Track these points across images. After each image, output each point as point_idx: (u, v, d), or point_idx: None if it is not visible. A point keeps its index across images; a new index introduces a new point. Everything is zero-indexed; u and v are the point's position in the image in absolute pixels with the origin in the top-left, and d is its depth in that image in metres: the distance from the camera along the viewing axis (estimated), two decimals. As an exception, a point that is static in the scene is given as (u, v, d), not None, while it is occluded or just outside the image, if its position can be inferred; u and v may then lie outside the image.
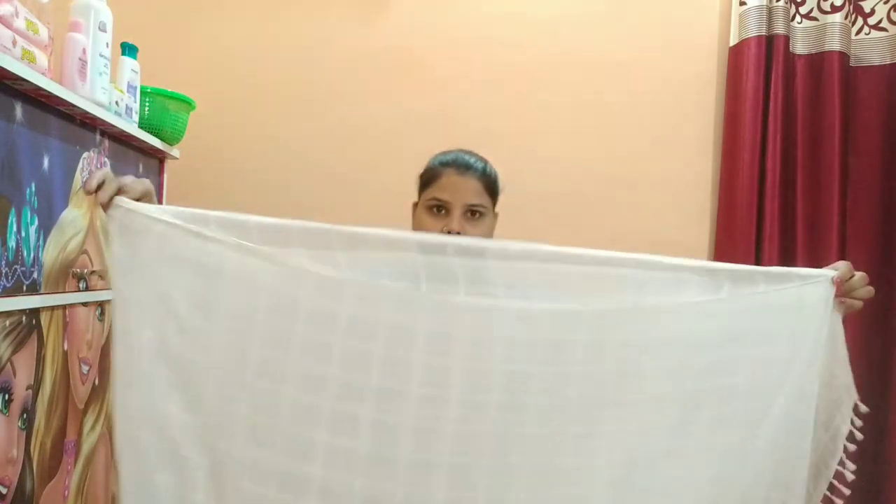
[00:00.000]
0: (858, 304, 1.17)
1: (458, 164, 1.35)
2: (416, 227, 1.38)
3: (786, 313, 1.14)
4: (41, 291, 1.21)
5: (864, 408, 1.15)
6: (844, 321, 1.16)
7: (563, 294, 1.09)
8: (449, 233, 1.31)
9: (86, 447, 1.41)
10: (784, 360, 1.13)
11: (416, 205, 1.44)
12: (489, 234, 1.39)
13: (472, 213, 1.34)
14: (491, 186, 1.38)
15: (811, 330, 1.14)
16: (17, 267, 1.13)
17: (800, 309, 1.14)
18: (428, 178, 1.37)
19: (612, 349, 1.07)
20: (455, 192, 1.33)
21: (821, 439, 1.16)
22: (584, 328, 1.07)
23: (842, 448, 1.15)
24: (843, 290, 1.15)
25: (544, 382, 1.05)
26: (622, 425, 1.07)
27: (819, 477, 1.16)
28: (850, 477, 1.15)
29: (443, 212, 1.33)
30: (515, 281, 1.07)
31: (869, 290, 1.17)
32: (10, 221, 1.10)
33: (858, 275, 1.16)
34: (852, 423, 1.15)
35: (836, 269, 1.16)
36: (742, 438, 1.12)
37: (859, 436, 1.15)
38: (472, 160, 1.37)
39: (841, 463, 1.15)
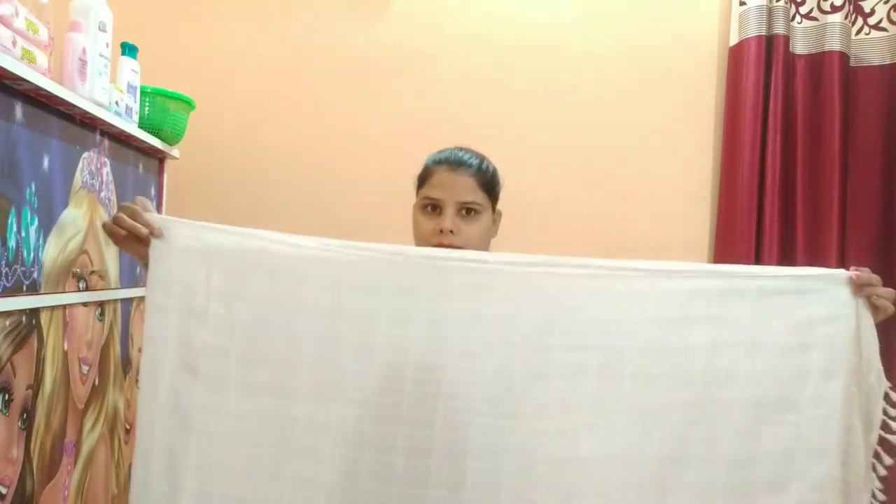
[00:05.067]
0: (886, 304, 1.14)
1: (450, 161, 1.32)
2: (414, 227, 1.37)
3: (814, 321, 1.15)
4: (41, 291, 1.20)
5: (894, 395, 1.14)
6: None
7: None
8: (441, 231, 1.28)
9: (86, 447, 1.41)
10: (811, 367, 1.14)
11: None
12: (485, 233, 1.35)
13: (467, 210, 1.30)
14: (487, 183, 1.33)
15: (840, 331, 1.14)
16: (17, 267, 1.13)
17: (828, 313, 1.15)
18: (422, 178, 1.36)
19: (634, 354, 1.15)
20: (447, 189, 1.30)
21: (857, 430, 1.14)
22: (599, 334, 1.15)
23: (876, 439, 1.13)
24: (862, 280, 1.14)
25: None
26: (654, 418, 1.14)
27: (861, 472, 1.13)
28: (882, 472, 1.13)
29: (436, 210, 1.30)
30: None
31: (890, 291, 1.15)
32: (10, 221, 1.10)
33: (876, 276, 1.15)
34: (885, 412, 1.13)
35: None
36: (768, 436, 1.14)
37: (894, 425, 1.13)
38: (466, 156, 1.34)
39: (877, 456, 1.14)
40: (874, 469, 1.13)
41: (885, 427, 1.13)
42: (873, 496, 1.13)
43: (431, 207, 1.31)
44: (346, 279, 1.13)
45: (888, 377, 1.14)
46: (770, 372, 1.14)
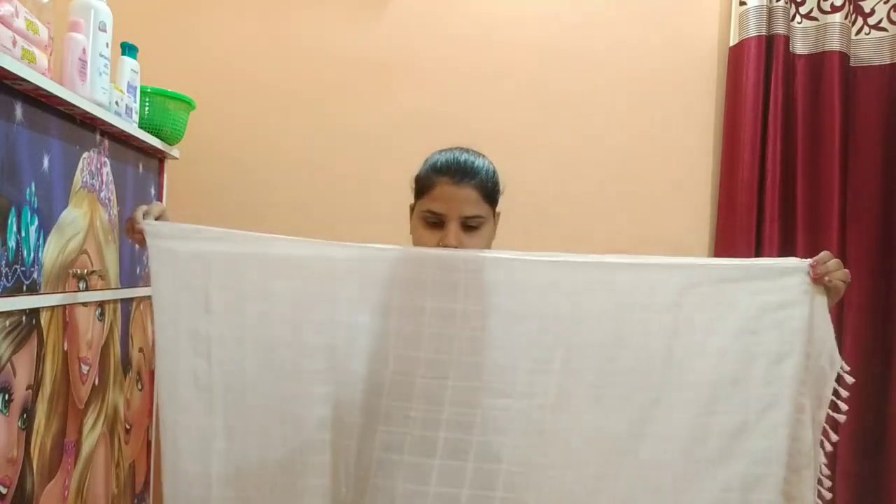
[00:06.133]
0: (840, 285, 1.20)
1: (452, 172, 1.27)
2: (413, 235, 1.33)
3: (767, 307, 1.21)
4: (41, 291, 1.21)
5: (849, 378, 1.19)
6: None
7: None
8: (445, 247, 1.25)
9: (86, 447, 1.41)
10: (767, 349, 1.20)
11: (412, 208, 1.37)
12: (488, 243, 1.32)
13: (470, 224, 1.27)
14: (489, 193, 1.30)
15: (793, 317, 1.20)
16: (17, 267, 1.13)
17: (781, 300, 1.21)
18: (423, 186, 1.30)
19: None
20: (450, 204, 1.25)
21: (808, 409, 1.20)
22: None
23: (824, 417, 1.19)
24: (819, 272, 1.19)
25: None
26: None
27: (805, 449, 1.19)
28: (829, 448, 1.20)
29: (438, 224, 1.26)
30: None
31: (846, 273, 1.20)
32: (10, 221, 1.10)
33: (834, 260, 1.21)
34: (837, 393, 1.19)
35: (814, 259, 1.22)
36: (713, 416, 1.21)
37: (844, 406, 1.19)
38: (469, 164, 1.29)
39: (825, 434, 1.20)
40: (822, 445, 1.20)
41: (833, 406, 1.19)
42: (819, 471, 1.20)
43: (433, 221, 1.27)
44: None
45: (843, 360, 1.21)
46: (725, 355, 1.21)
